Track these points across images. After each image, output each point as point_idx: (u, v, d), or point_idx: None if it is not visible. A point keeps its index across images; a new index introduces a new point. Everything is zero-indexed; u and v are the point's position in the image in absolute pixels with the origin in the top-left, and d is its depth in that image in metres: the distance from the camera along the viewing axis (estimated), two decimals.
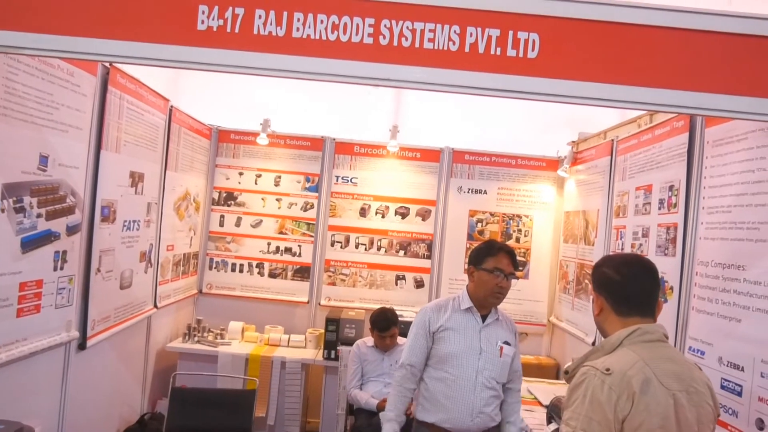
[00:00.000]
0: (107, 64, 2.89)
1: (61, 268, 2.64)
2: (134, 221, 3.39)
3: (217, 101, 4.74)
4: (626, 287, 1.59)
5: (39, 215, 2.44)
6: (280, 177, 4.81)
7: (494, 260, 2.40)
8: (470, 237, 4.71)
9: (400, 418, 2.40)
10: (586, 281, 4.03)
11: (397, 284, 4.77)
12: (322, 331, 4.28)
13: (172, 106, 3.85)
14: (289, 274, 4.78)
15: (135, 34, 1.68)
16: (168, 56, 1.71)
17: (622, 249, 3.50)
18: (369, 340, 3.75)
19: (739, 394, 2.31)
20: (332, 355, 4.11)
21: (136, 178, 3.37)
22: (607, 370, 1.42)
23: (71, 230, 2.70)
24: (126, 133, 3.17)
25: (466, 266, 2.53)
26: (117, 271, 3.21)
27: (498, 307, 2.51)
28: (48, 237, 2.53)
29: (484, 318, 2.45)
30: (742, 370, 2.30)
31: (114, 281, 3.19)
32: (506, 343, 2.46)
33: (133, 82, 3.21)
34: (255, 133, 4.67)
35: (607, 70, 1.74)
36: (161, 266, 3.90)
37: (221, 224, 4.80)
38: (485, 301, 2.43)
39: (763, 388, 2.19)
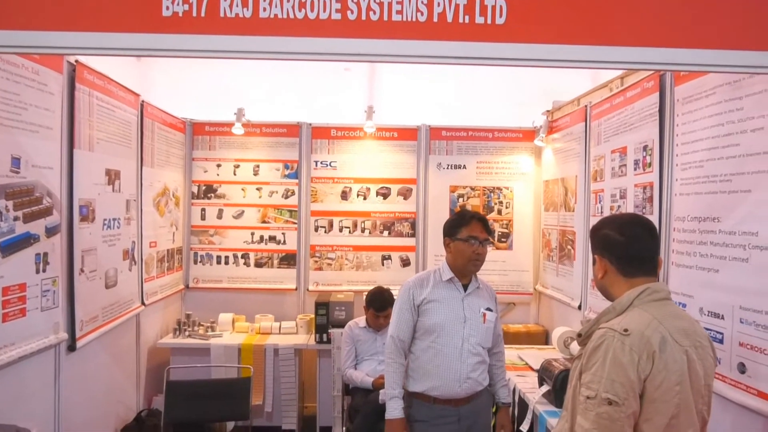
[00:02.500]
0: (73, 61, 2.84)
1: (44, 271, 2.61)
2: (114, 219, 3.36)
3: (188, 94, 4.70)
4: (630, 248, 1.60)
5: (16, 218, 2.41)
6: (258, 166, 4.78)
7: (467, 229, 2.45)
8: (452, 212, 4.74)
9: (402, 393, 2.44)
10: (569, 247, 4.09)
11: (383, 264, 4.80)
12: (313, 316, 4.30)
13: (143, 101, 3.79)
14: (275, 262, 4.78)
15: (97, 24, 1.65)
16: (134, 45, 1.68)
17: (602, 212, 3.56)
18: (360, 320, 3.78)
19: (721, 341, 2.38)
20: (324, 339, 4.13)
21: (112, 176, 3.33)
22: (626, 330, 1.44)
23: (50, 232, 2.67)
24: (98, 131, 3.13)
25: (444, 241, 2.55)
26: (101, 270, 3.18)
27: (477, 275, 2.56)
28: (27, 240, 2.49)
29: (465, 287, 2.50)
30: (723, 318, 2.37)
31: (99, 281, 3.17)
32: (488, 309, 2.52)
33: (101, 78, 3.16)
34: (230, 123, 4.63)
35: (575, 32, 1.76)
36: (145, 263, 3.87)
37: (203, 218, 4.77)
38: (465, 269, 2.47)
39: (743, 333, 2.26)
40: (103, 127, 3.20)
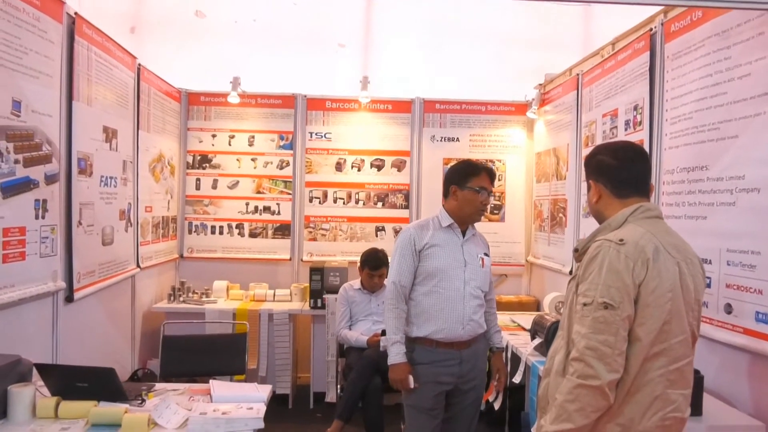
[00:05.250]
0: (72, 13, 2.86)
1: (43, 217, 2.63)
2: (111, 177, 3.38)
3: (183, 65, 4.71)
4: (624, 170, 1.66)
5: (16, 161, 2.42)
6: (253, 137, 4.81)
7: (479, 180, 2.49)
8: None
9: (404, 338, 2.45)
10: (561, 215, 4.16)
11: (377, 236, 4.84)
12: (307, 285, 4.34)
13: (140, 65, 3.81)
14: (270, 232, 4.81)
15: None
16: None
17: None
18: (355, 282, 3.82)
19: (709, 285, 2.45)
20: (319, 304, 4.17)
21: (109, 134, 3.35)
22: (621, 240, 1.50)
23: (49, 179, 2.68)
24: (96, 86, 3.15)
25: (446, 186, 2.58)
26: (98, 226, 3.20)
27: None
28: (27, 184, 2.51)
29: (463, 234, 2.55)
30: (710, 263, 2.44)
31: (96, 236, 3.18)
32: (485, 254, 2.57)
33: (99, 35, 3.18)
34: (225, 93, 4.65)
35: None
36: (141, 227, 3.89)
37: (197, 187, 4.79)
38: (470, 218, 2.52)
39: (730, 275, 2.33)
40: (102, 84, 3.22)
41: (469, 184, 2.48)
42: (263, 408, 1.99)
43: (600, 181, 1.69)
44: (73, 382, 1.99)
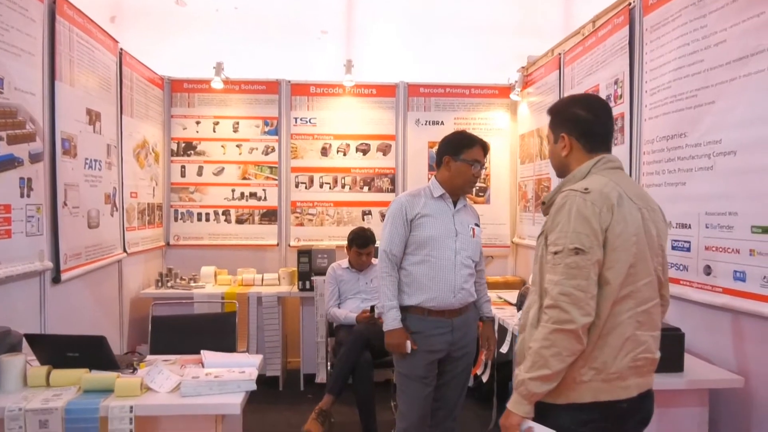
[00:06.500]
0: None
1: (28, 196, 2.61)
2: (96, 160, 3.36)
3: (165, 55, 4.68)
4: (596, 124, 1.68)
5: (0, 138, 2.41)
6: (238, 123, 4.80)
7: (472, 152, 2.51)
8: (431, 168, 4.84)
9: (398, 305, 2.48)
10: (545, 194, 4.21)
11: (363, 219, 4.86)
12: (295, 269, 4.35)
13: (122, 49, 3.79)
14: (257, 218, 4.81)
15: None
16: None
17: None
18: (343, 262, 3.84)
19: (688, 249, 2.52)
20: (307, 286, 4.19)
21: (93, 116, 3.33)
22: (586, 189, 1.53)
23: (34, 158, 2.67)
24: (79, 68, 3.13)
25: (439, 156, 2.60)
26: (83, 208, 3.19)
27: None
28: (11, 162, 2.50)
29: (455, 204, 2.58)
30: (690, 227, 2.51)
31: (81, 218, 3.17)
32: (476, 225, 2.61)
33: (81, 16, 3.16)
34: (208, 80, 4.64)
35: None
36: (127, 212, 3.87)
37: (183, 175, 4.77)
38: (461, 189, 2.56)
39: (708, 237, 2.39)
40: (84, 66, 3.20)
41: (463, 156, 2.51)
42: (255, 372, 2.00)
43: (573, 134, 1.68)
44: (64, 352, 1.99)
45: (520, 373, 1.53)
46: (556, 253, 1.51)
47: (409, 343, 2.42)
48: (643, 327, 1.54)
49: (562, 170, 1.74)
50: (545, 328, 1.48)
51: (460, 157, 2.51)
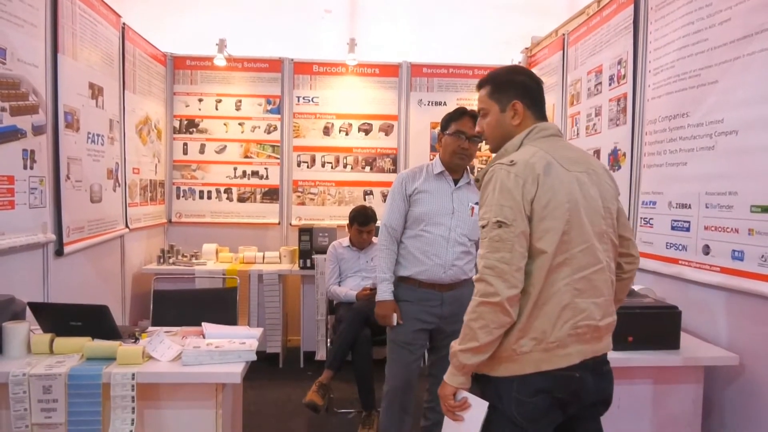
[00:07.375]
0: None
1: (31, 168, 2.63)
2: (98, 135, 3.36)
3: (168, 32, 4.65)
4: (540, 92, 1.69)
5: (3, 109, 2.41)
6: (240, 101, 4.79)
7: (457, 124, 2.52)
8: (433, 148, 4.84)
9: (393, 278, 2.57)
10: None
11: (365, 199, 4.88)
12: (296, 247, 4.38)
13: (124, 24, 3.77)
14: (258, 197, 4.83)
15: None
16: None
17: (578, 135, 3.68)
18: (344, 240, 3.86)
19: (687, 229, 2.53)
20: (308, 264, 4.22)
21: (95, 91, 3.33)
22: (511, 162, 1.52)
23: (37, 130, 2.68)
24: (81, 41, 3.12)
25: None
26: (86, 182, 3.20)
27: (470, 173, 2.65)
28: (14, 133, 2.51)
29: (456, 182, 2.59)
30: (689, 207, 2.52)
31: (84, 192, 3.18)
32: (477, 203, 2.62)
33: None
34: (211, 57, 4.63)
35: None
36: (129, 188, 3.89)
37: (185, 152, 4.78)
38: (451, 163, 2.56)
39: (708, 217, 2.40)
40: (87, 40, 3.19)
41: (449, 130, 2.53)
42: (255, 343, 2.03)
43: (525, 102, 1.65)
44: (67, 320, 2.02)
45: (453, 345, 1.55)
46: (483, 227, 1.50)
47: (395, 316, 2.53)
48: (583, 294, 1.51)
49: (504, 142, 1.67)
50: (473, 302, 1.49)
51: (446, 131, 2.54)
